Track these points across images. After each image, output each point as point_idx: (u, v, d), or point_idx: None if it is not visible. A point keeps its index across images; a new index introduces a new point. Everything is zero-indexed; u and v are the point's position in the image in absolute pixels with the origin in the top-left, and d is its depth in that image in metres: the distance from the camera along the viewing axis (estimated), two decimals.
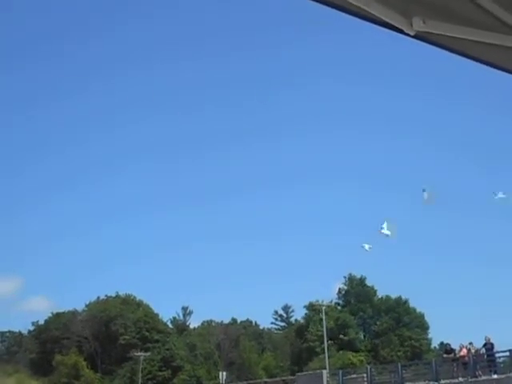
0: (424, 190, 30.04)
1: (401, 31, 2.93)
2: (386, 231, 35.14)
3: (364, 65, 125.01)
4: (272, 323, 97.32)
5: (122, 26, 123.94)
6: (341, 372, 44.73)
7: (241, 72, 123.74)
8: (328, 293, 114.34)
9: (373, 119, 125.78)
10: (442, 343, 69.05)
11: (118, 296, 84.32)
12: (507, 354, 34.66)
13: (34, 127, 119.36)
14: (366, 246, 41.13)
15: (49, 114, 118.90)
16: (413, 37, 2.99)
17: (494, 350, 35.29)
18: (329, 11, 2.74)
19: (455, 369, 36.78)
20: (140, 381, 63.23)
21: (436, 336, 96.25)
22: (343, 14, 2.74)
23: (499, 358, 36.29)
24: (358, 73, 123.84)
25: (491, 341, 34.93)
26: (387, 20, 2.82)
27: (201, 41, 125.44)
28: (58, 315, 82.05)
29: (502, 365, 35.90)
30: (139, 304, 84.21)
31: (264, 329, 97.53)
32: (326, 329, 58.21)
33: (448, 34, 2.94)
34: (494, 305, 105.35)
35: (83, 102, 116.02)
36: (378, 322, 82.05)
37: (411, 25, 2.86)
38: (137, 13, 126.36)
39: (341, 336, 75.83)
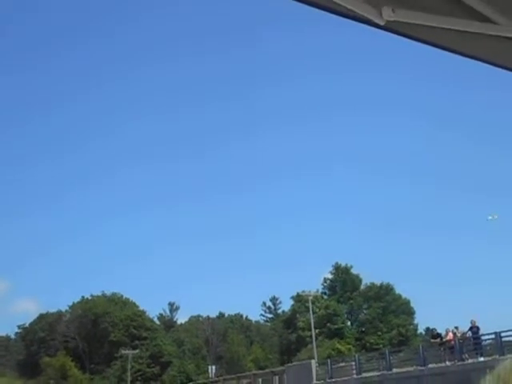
0: None
1: (370, 22, 2.89)
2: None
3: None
4: (261, 315, 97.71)
5: (120, 27, 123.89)
6: (329, 361, 44.94)
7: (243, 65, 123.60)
8: (316, 283, 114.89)
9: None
10: (428, 328, 69.70)
11: (103, 295, 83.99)
12: (493, 336, 34.98)
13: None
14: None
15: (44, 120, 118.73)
16: (383, 27, 2.94)
17: (480, 333, 35.65)
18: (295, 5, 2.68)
19: (442, 353, 37.14)
20: (129, 378, 63.07)
21: (422, 321, 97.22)
22: (310, 8, 2.69)
23: (485, 340, 36.64)
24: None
25: (477, 324, 35.27)
26: (356, 10, 2.77)
27: (200, 38, 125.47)
28: (42, 316, 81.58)
29: (488, 347, 36.24)
30: (125, 302, 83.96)
31: (252, 321, 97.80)
32: (314, 319, 58.42)
33: (418, 23, 2.91)
34: (478, 288, 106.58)
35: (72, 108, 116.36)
36: (364, 311, 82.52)
37: (381, 15, 2.81)
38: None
39: (328, 325, 76.16)
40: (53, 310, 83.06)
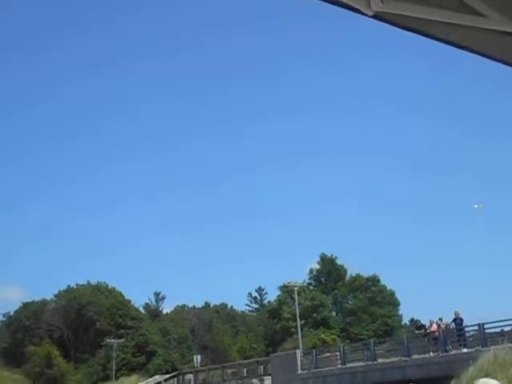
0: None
1: (359, 12, 2.88)
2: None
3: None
4: (246, 305, 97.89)
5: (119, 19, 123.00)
6: (314, 351, 45.13)
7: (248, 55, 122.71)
8: (303, 274, 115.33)
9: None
10: (412, 319, 70.16)
11: (89, 284, 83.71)
12: (476, 328, 35.29)
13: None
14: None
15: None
16: (372, 17, 2.94)
17: (464, 324, 35.96)
18: None
19: (426, 344, 37.45)
20: (114, 367, 63.03)
21: (407, 312, 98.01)
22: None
23: (468, 332, 36.97)
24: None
25: (460, 315, 35.58)
26: (345, 1, 2.76)
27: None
28: (27, 305, 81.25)
29: (471, 339, 36.57)
30: (111, 291, 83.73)
31: (238, 311, 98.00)
32: (300, 309, 58.63)
33: (406, 14, 2.90)
34: (464, 276, 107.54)
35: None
36: (350, 301, 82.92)
37: (369, 5, 2.81)
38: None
39: (314, 315, 76.45)
40: (38, 298, 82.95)
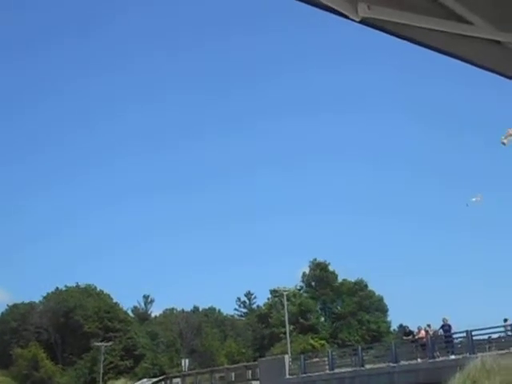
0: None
1: (347, 17, 2.89)
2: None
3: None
4: (235, 309, 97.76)
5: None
6: (302, 356, 45.13)
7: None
8: (293, 279, 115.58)
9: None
10: (400, 325, 70.26)
11: (77, 286, 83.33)
12: (464, 335, 35.37)
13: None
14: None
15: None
16: (359, 22, 2.94)
17: (452, 331, 36.05)
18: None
19: (414, 350, 37.52)
20: (101, 371, 62.75)
21: (395, 318, 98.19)
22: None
23: (456, 339, 37.06)
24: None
25: (448, 322, 35.66)
26: (332, 6, 2.77)
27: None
28: (15, 306, 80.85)
29: (459, 345, 36.65)
30: (99, 294, 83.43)
31: (227, 316, 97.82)
32: (289, 314, 58.64)
33: (393, 20, 2.91)
34: (450, 286, 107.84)
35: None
36: (338, 307, 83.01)
37: (356, 11, 2.81)
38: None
39: (302, 321, 76.48)
40: (26, 300, 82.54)
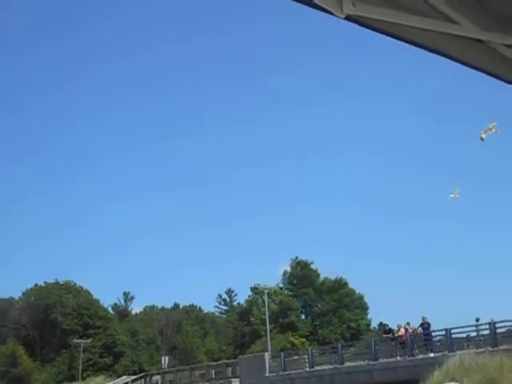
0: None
1: (332, 13, 2.87)
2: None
3: None
4: (215, 307, 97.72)
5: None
6: (283, 354, 45.22)
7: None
8: (274, 277, 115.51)
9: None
10: (381, 323, 70.68)
11: (57, 283, 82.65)
12: (443, 332, 35.66)
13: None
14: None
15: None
16: (344, 19, 2.93)
17: (431, 329, 36.32)
18: None
19: (393, 348, 37.76)
20: (80, 367, 62.37)
21: (376, 316, 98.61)
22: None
23: (435, 336, 37.34)
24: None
25: (428, 320, 35.94)
26: (317, 2, 2.75)
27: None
28: None
29: (438, 343, 36.93)
30: (79, 290, 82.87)
31: (207, 313, 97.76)
32: (269, 311, 58.68)
33: (377, 17, 2.90)
34: (430, 285, 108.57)
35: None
36: (319, 305, 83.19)
37: (341, 8, 2.80)
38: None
39: (282, 319, 76.56)
40: (5, 296, 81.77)
